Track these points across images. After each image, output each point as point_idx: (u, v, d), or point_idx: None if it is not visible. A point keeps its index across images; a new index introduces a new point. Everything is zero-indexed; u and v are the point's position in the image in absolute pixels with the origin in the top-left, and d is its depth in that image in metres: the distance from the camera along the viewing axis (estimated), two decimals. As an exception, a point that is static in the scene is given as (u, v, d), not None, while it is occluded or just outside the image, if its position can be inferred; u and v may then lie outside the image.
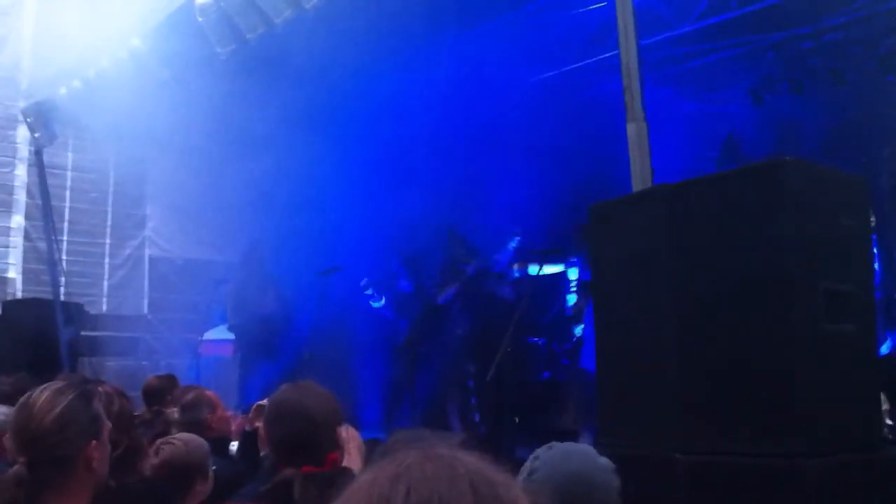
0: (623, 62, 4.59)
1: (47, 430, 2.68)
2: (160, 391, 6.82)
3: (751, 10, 8.71)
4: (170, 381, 7.29)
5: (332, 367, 10.06)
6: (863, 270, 3.80)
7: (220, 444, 4.97)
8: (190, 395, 5.50)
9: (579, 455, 2.69)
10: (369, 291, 11.28)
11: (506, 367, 8.35)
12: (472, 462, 1.22)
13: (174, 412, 5.40)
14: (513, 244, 10.25)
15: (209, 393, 5.55)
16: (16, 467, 2.66)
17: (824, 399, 3.41)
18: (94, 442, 2.77)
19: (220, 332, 13.83)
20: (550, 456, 2.67)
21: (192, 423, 5.05)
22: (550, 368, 10.67)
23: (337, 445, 3.36)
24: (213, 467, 4.30)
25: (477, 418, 9.86)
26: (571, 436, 8.04)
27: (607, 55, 9.25)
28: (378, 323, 11.29)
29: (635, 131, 4.46)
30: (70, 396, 2.77)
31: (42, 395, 2.76)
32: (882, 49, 9.15)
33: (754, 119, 10.66)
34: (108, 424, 2.90)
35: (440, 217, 10.56)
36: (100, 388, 3.68)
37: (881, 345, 7.24)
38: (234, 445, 5.31)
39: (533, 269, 10.21)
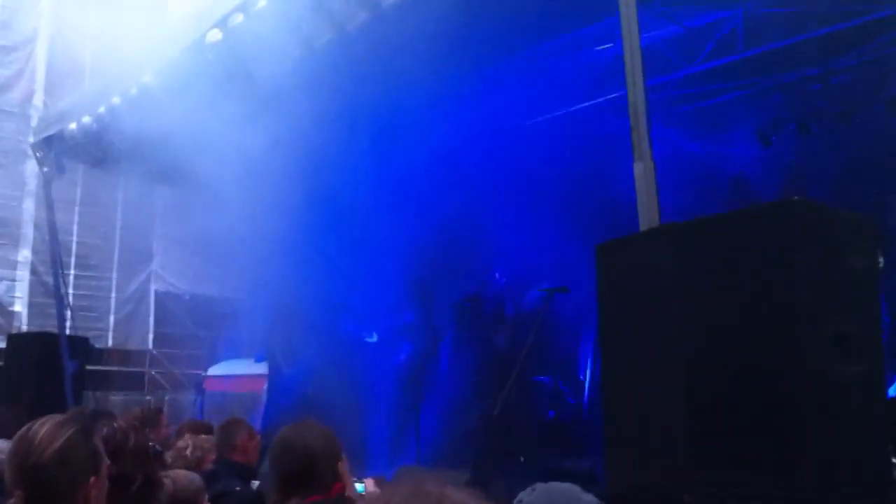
0: (630, 102, 4.61)
1: (46, 464, 2.64)
2: (142, 422, 6.89)
3: (758, 52, 8.74)
4: (153, 414, 7.39)
5: (336, 402, 10.03)
6: (871, 311, 3.78)
7: (245, 471, 5.29)
8: (232, 418, 5.83)
9: (563, 496, 2.64)
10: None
11: (511, 405, 8.31)
12: (461, 498, 1.21)
13: (168, 454, 5.47)
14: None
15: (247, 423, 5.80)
16: (12, 501, 2.63)
17: (833, 440, 3.38)
18: (92, 478, 2.74)
19: (225, 368, 13.81)
20: (534, 500, 2.63)
21: (222, 443, 5.39)
22: (556, 407, 10.61)
23: (339, 478, 3.56)
24: (237, 488, 4.65)
25: (483, 456, 9.80)
26: (577, 475, 7.98)
27: (615, 95, 9.29)
28: (382, 358, 11.28)
29: (642, 171, 4.46)
30: (70, 431, 2.73)
31: (42, 428, 2.72)
32: (890, 91, 9.17)
33: (762, 160, 10.67)
34: (106, 460, 2.87)
35: (450, 252, 10.60)
36: (114, 424, 3.67)
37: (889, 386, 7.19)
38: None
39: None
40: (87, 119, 9.83)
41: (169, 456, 5.44)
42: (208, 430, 6.37)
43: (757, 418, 3.42)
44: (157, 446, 6.37)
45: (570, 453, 9.57)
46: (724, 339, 3.60)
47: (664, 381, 3.80)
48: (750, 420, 3.45)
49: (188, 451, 5.40)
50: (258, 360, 12.94)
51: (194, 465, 5.20)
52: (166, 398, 15.12)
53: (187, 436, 5.70)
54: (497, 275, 11.30)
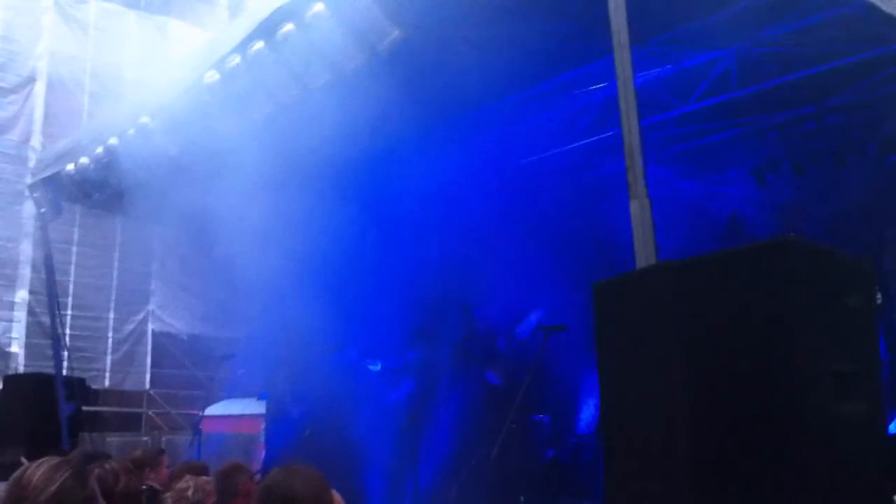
0: (626, 142, 4.62)
1: None
2: (142, 463, 6.98)
3: (751, 91, 8.78)
4: (154, 455, 7.44)
5: (334, 445, 9.98)
6: (869, 351, 3.76)
7: None
8: (233, 462, 5.84)
9: None
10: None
11: (510, 446, 8.26)
12: None
13: (168, 496, 5.48)
14: (534, 316, 10.33)
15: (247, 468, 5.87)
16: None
17: (834, 481, 3.35)
18: None
19: (222, 408, 13.72)
20: None
21: (224, 489, 5.40)
22: (555, 446, 10.56)
23: None
24: None
25: (482, 499, 9.73)
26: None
27: (610, 134, 9.34)
28: (382, 397, 11.22)
29: (638, 209, 4.46)
30: (66, 474, 2.70)
31: (37, 471, 2.69)
32: (884, 131, 9.20)
33: (757, 200, 10.68)
34: (102, 502, 2.84)
35: (450, 292, 10.61)
36: (106, 465, 3.65)
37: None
38: None
39: None
40: (84, 160, 9.85)
41: (169, 497, 5.43)
42: (205, 471, 6.36)
43: (756, 459, 3.40)
44: (155, 486, 6.37)
45: (570, 493, 9.52)
46: (721, 379, 3.58)
47: (663, 422, 3.78)
48: (748, 462, 3.43)
49: (189, 493, 5.40)
50: (261, 397, 12.89)
51: None
52: (163, 439, 15.03)
53: (188, 477, 5.69)
54: (478, 313, 11.31)
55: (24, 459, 5.09)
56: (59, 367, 11.25)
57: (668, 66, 8.86)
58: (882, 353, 5.35)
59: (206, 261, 14.00)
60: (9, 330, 14.10)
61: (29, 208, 13.41)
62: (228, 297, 14.19)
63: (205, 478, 5.76)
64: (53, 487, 2.64)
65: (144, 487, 5.75)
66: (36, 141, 14.51)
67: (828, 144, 9.57)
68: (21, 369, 13.62)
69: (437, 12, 6.53)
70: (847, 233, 9.50)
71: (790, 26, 7.86)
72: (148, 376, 15.78)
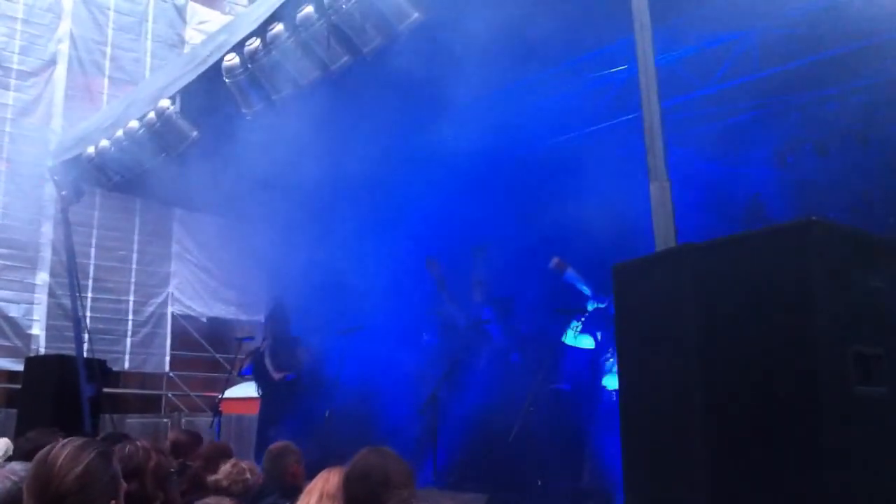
0: (646, 123, 4.60)
1: (69, 489, 2.61)
2: (187, 446, 7.08)
3: (773, 72, 8.71)
4: (196, 438, 7.52)
5: (353, 425, 10.02)
6: (893, 332, 3.73)
7: (292, 489, 5.51)
8: (278, 445, 6.11)
9: None
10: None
11: (529, 426, 8.27)
12: None
13: (221, 478, 5.59)
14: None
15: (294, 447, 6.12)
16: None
17: (855, 464, 3.34)
18: (112, 502, 2.72)
19: (242, 390, 13.79)
20: None
21: (273, 470, 5.78)
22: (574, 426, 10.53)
23: None
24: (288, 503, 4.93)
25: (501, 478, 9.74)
26: (595, 495, 7.94)
27: (631, 116, 9.28)
28: (401, 380, 11.25)
29: (658, 191, 4.45)
30: (91, 454, 2.72)
31: (63, 451, 2.70)
32: (908, 111, 9.11)
33: (778, 181, 10.59)
34: (124, 484, 2.86)
35: (468, 273, 10.62)
36: (137, 443, 3.67)
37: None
38: None
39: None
40: (104, 143, 9.88)
41: (224, 479, 5.54)
42: (229, 453, 6.43)
43: (775, 442, 3.39)
44: (189, 464, 6.47)
45: (589, 473, 9.50)
46: (743, 361, 3.56)
47: (682, 404, 3.77)
48: (768, 444, 3.41)
49: (248, 475, 5.58)
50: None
51: (247, 489, 5.52)
52: (183, 420, 15.14)
53: (235, 461, 5.83)
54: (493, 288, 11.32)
55: (61, 439, 5.15)
56: (79, 349, 11.32)
57: (690, 47, 8.79)
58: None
59: (225, 243, 14.07)
60: (30, 312, 14.19)
61: (49, 191, 13.46)
62: (247, 279, 14.25)
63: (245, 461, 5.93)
64: (79, 468, 2.66)
65: (173, 470, 5.85)
66: (56, 124, 14.57)
67: (851, 125, 9.48)
68: (42, 351, 13.72)
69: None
70: (870, 214, 9.41)
71: (812, 6, 7.79)
72: (167, 358, 15.87)
